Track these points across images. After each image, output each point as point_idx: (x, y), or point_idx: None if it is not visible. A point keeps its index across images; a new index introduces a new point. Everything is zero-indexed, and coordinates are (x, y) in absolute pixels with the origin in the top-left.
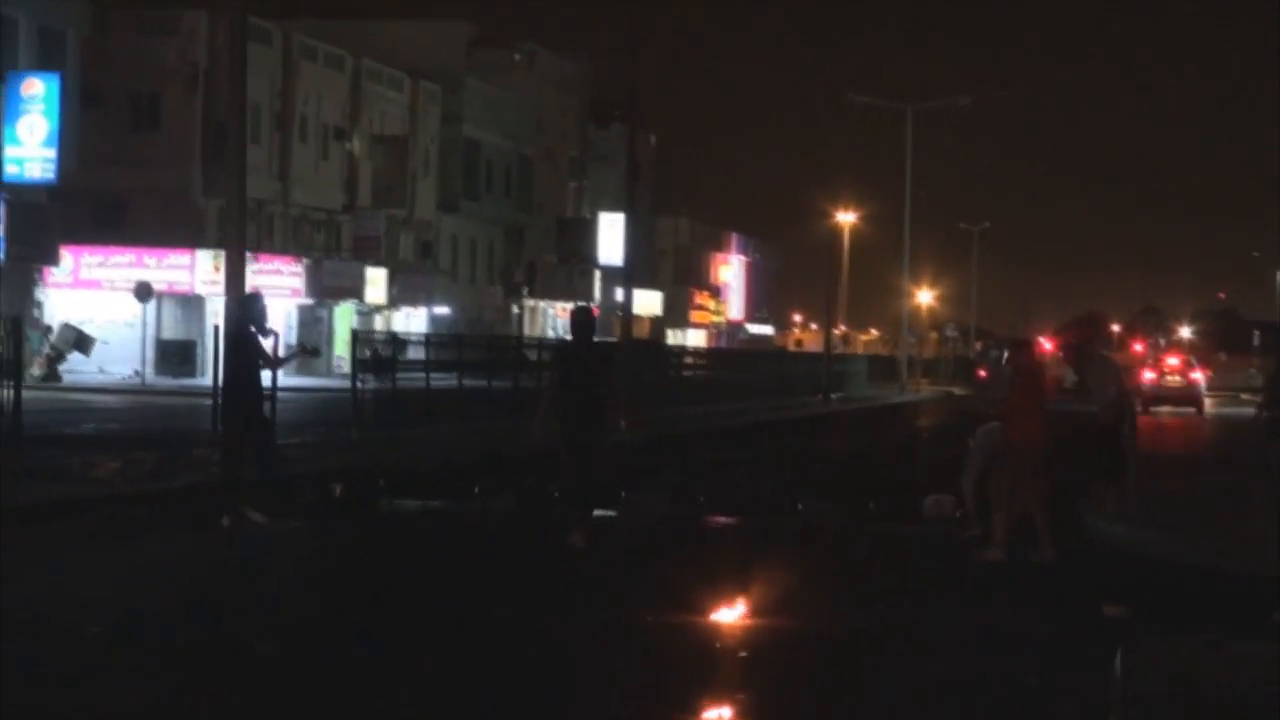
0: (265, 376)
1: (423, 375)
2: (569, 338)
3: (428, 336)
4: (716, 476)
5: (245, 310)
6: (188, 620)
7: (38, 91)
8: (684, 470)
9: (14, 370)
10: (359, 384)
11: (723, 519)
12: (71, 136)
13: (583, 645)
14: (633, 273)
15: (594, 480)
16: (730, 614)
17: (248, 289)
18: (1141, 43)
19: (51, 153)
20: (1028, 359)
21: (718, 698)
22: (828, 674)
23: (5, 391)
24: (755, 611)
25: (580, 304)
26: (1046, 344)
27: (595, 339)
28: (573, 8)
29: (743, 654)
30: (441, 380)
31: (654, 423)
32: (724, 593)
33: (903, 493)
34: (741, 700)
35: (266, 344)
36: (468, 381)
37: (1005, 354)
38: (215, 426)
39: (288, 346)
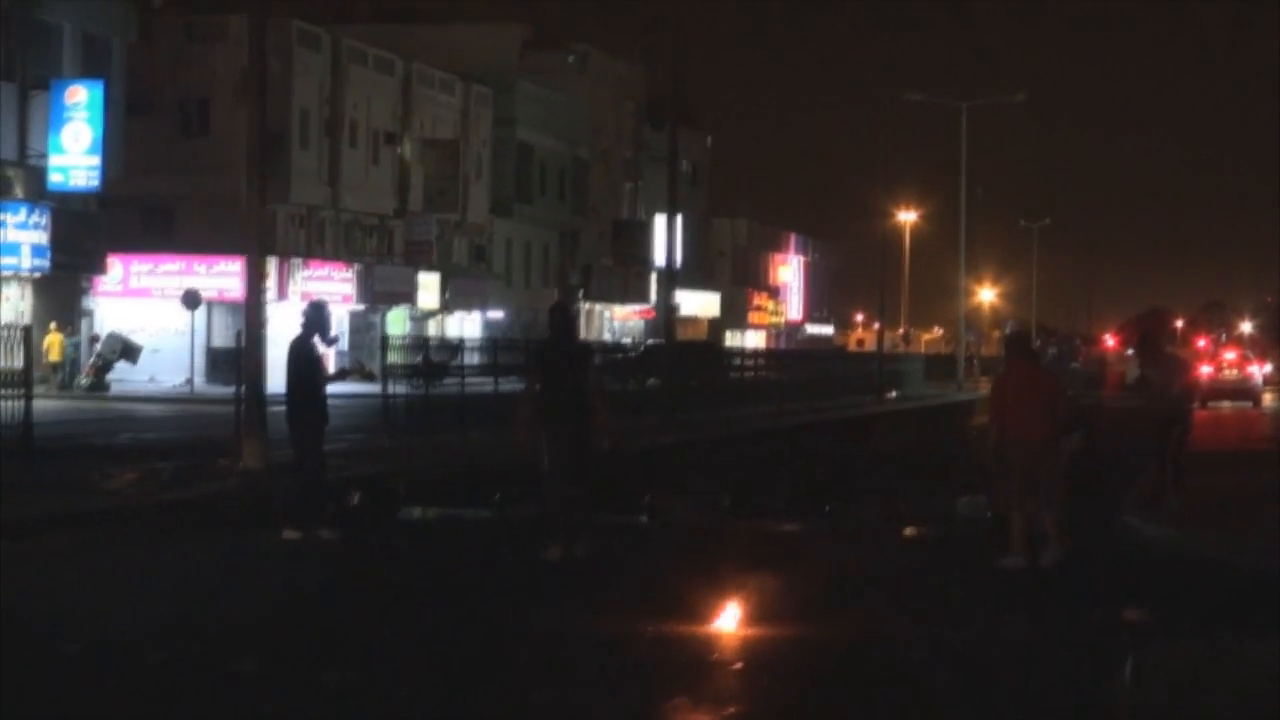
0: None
1: (470, 379)
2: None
3: (461, 342)
4: (750, 479)
5: (310, 320)
6: (160, 636)
7: (81, 99)
8: (719, 472)
9: (26, 380)
10: (389, 390)
11: (745, 523)
12: (118, 144)
13: (553, 658)
14: (674, 273)
15: (587, 485)
16: (727, 622)
17: (311, 298)
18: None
19: (96, 160)
20: (1026, 352)
21: (695, 713)
22: (816, 687)
23: (13, 403)
24: (751, 620)
25: (559, 301)
26: (1110, 340)
27: (577, 338)
28: (628, 9)
29: (737, 665)
30: (478, 385)
31: (702, 424)
32: (725, 600)
33: (938, 493)
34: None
35: (328, 353)
36: (505, 387)
37: (1054, 350)
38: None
39: (340, 362)
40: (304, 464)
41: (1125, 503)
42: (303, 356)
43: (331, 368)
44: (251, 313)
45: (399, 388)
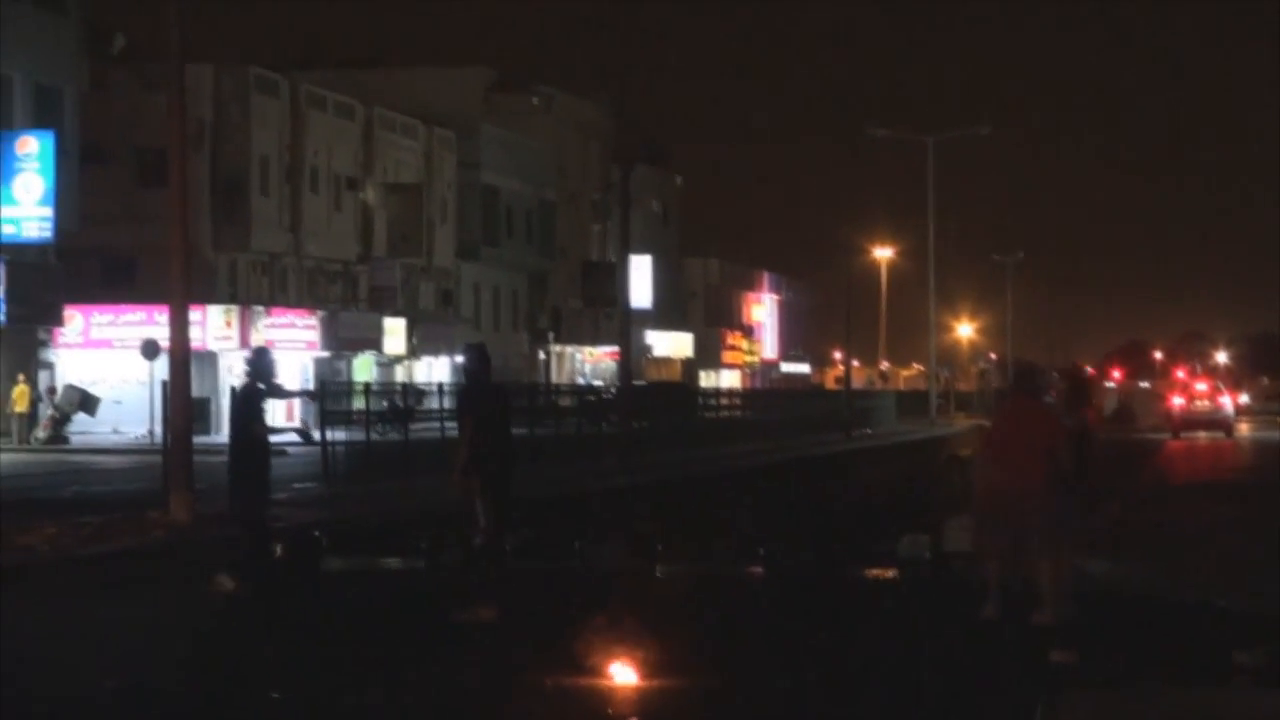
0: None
1: (437, 425)
2: (465, 381)
3: (405, 387)
4: (695, 521)
5: (254, 366)
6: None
7: (32, 150)
8: (666, 515)
9: None
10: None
11: (674, 568)
12: (74, 194)
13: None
14: (629, 314)
15: (504, 529)
16: (625, 675)
17: (258, 343)
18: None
19: (48, 211)
20: (1032, 390)
21: None
22: None
23: None
24: (654, 671)
25: (472, 343)
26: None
27: (493, 381)
28: (594, 51)
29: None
30: (426, 431)
31: (664, 465)
32: (629, 652)
33: (886, 533)
34: None
35: (294, 403)
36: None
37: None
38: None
39: (303, 413)
40: (242, 512)
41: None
42: (244, 404)
43: (296, 418)
44: (176, 364)
45: (338, 434)
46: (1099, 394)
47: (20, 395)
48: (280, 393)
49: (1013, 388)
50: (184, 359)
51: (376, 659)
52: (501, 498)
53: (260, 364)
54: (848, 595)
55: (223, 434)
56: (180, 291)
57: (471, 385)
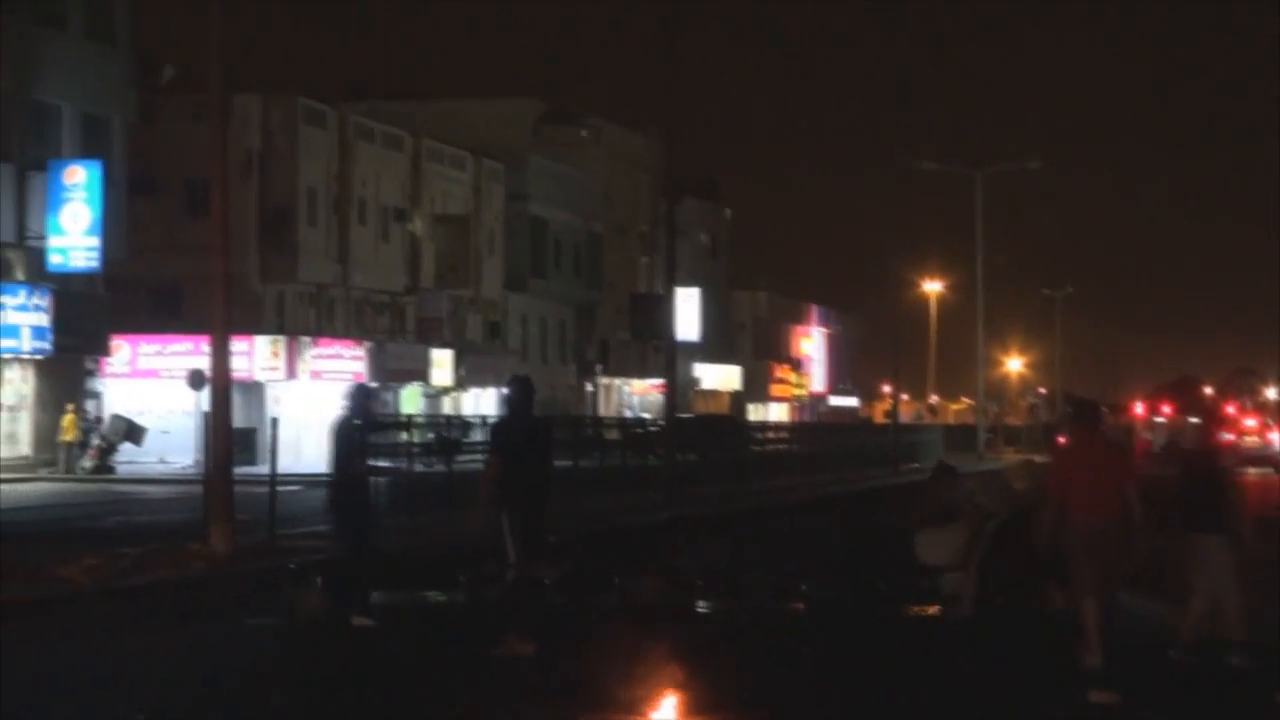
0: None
1: (481, 458)
2: (507, 413)
3: (450, 419)
4: (736, 556)
5: (353, 401)
6: None
7: (80, 179)
8: (705, 550)
9: None
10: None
11: (714, 604)
12: (121, 224)
13: None
14: (674, 347)
15: (539, 573)
16: (661, 714)
17: (358, 382)
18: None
19: (95, 241)
20: (1095, 423)
21: None
22: None
23: None
24: (688, 710)
25: (517, 375)
26: (1138, 408)
27: (536, 414)
28: (643, 83)
29: None
30: (471, 463)
31: (708, 500)
32: (668, 688)
33: (927, 570)
34: None
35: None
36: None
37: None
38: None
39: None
40: (347, 547)
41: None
42: (343, 439)
43: None
44: (217, 394)
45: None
46: (1146, 429)
47: (70, 424)
48: (378, 426)
49: (1074, 422)
50: (225, 389)
51: (411, 695)
52: (535, 531)
53: (359, 399)
54: (889, 632)
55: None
56: (222, 321)
57: (508, 419)
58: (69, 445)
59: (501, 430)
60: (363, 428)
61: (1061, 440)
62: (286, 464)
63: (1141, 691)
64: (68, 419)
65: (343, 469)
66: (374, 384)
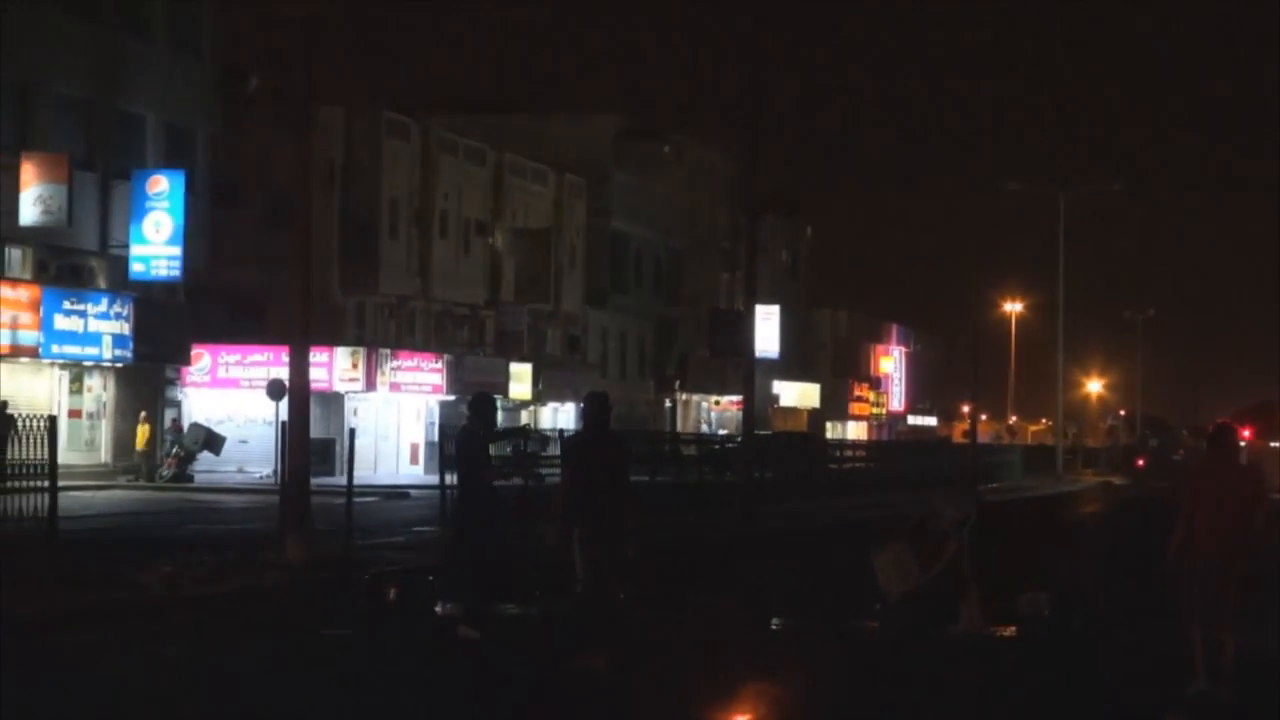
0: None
1: (558, 471)
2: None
3: (525, 430)
4: (811, 574)
5: (475, 410)
6: None
7: (163, 189)
8: (780, 567)
9: (51, 471)
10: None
11: (787, 621)
12: (204, 234)
13: None
14: (754, 363)
15: (611, 589)
16: None
17: (480, 391)
18: None
19: (176, 250)
20: (1231, 447)
21: None
22: None
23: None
24: None
25: (594, 391)
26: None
27: (612, 429)
28: (728, 101)
29: None
30: (548, 476)
31: (786, 516)
32: (738, 705)
33: (1005, 591)
34: None
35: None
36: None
37: (1155, 442)
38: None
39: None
40: (466, 559)
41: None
42: (465, 447)
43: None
44: (295, 404)
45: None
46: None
47: (141, 433)
48: (497, 435)
49: (1210, 446)
50: (304, 399)
51: (475, 708)
52: (611, 548)
53: (483, 409)
54: (962, 652)
55: (343, 476)
56: (301, 332)
57: (582, 434)
58: (145, 454)
59: (574, 446)
60: (486, 437)
61: (1140, 463)
62: (363, 475)
63: None
64: (141, 429)
65: (469, 478)
66: (495, 395)
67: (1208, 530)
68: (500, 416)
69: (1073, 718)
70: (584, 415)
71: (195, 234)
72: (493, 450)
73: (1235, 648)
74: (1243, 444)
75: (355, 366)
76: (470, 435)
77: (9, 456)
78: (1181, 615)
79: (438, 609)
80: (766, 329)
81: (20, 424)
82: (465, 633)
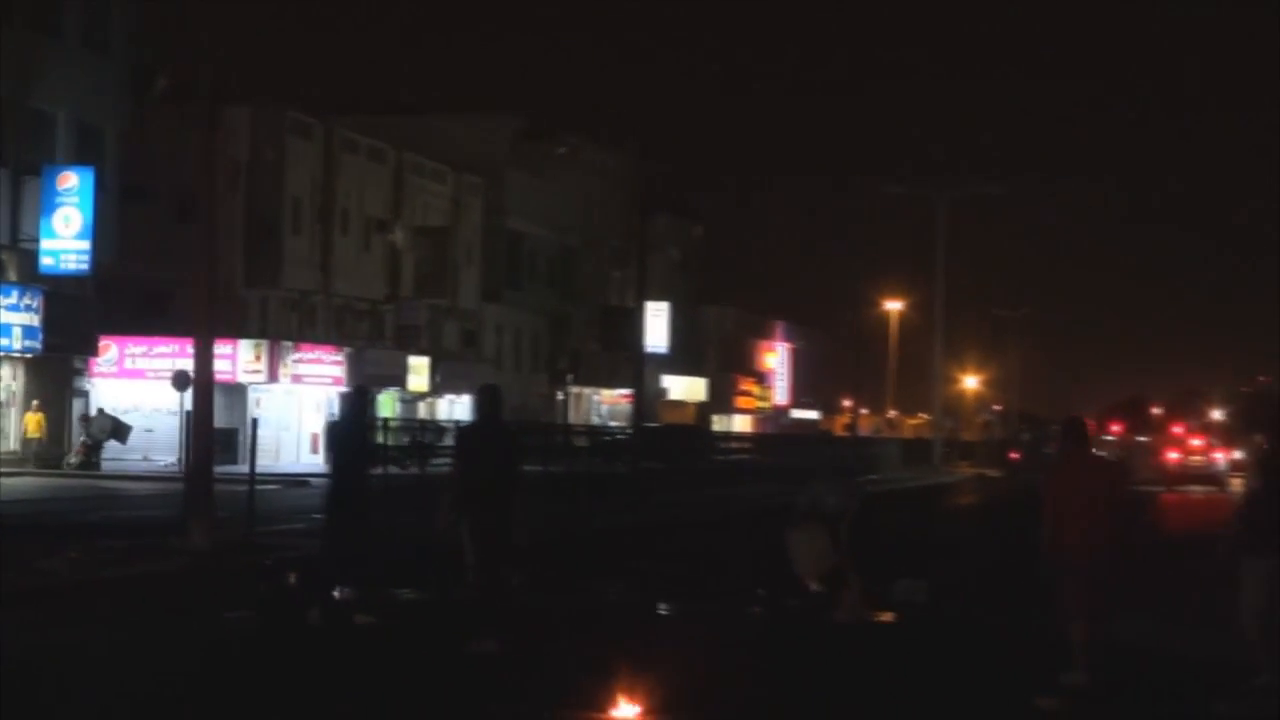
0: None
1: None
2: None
3: (424, 423)
4: (699, 561)
5: (351, 405)
6: None
7: (73, 184)
8: (668, 554)
9: None
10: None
11: (675, 606)
12: (113, 229)
13: None
14: (644, 358)
15: (500, 576)
16: (622, 711)
17: (355, 384)
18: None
19: (85, 245)
20: (1083, 441)
21: None
22: None
23: None
24: (648, 707)
25: (486, 384)
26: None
27: (504, 421)
28: (622, 102)
29: None
30: (444, 465)
31: (671, 506)
32: (625, 686)
33: (880, 576)
34: None
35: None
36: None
37: (1028, 436)
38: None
39: None
40: (337, 545)
41: None
42: (340, 439)
43: None
44: (199, 395)
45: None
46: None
47: (30, 421)
48: (366, 428)
49: (1065, 441)
50: (208, 390)
51: (377, 691)
52: (499, 535)
53: (359, 402)
54: (843, 637)
55: (245, 464)
56: (205, 324)
57: (473, 425)
58: (37, 441)
59: (465, 436)
60: (361, 429)
61: (1013, 456)
62: (265, 464)
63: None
64: (31, 418)
65: (342, 468)
66: (372, 388)
67: (1069, 523)
68: (398, 408)
69: (949, 700)
70: (476, 407)
71: (104, 229)
72: (392, 441)
73: (1093, 636)
74: (1114, 438)
75: (258, 359)
76: (344, 427)
77: None
78: (1059, 607)
79: (335, 594)
80: (656, 325)
81: None
82: (361, 619)
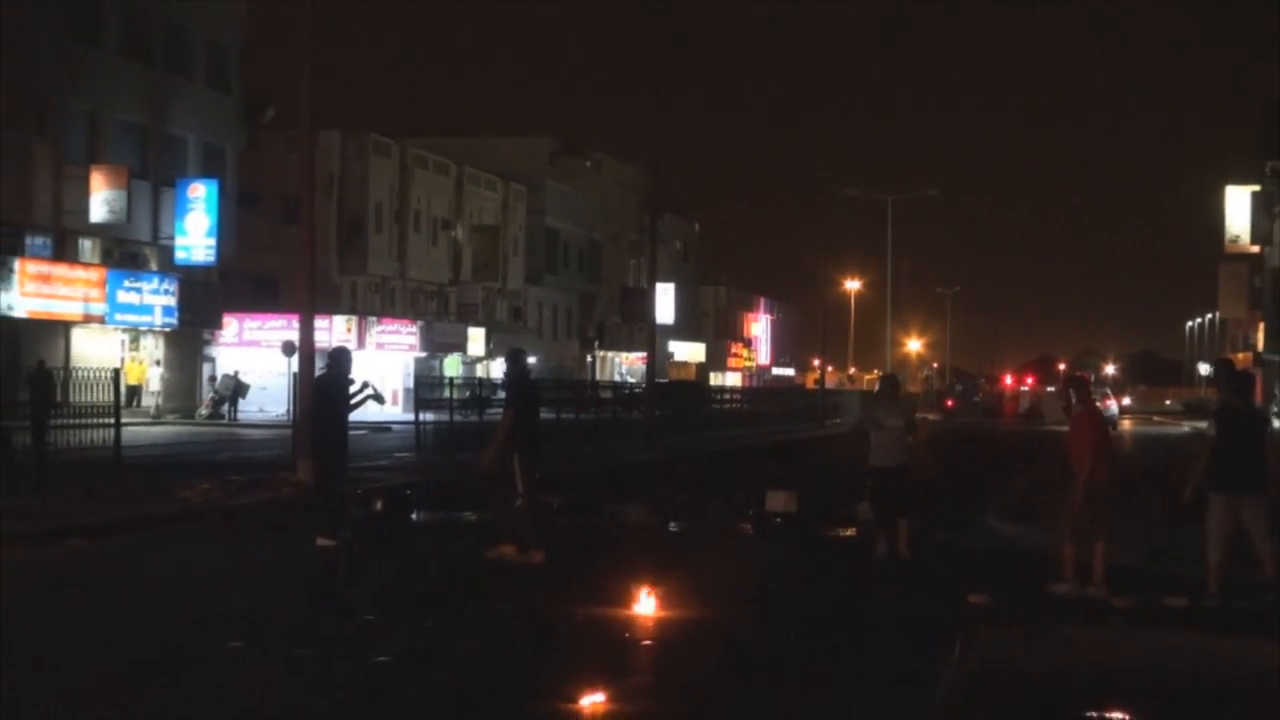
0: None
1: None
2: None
3: (481, 380)
4: (700, 488)
5: (335, 363)
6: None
7: (201, 194)
8: (676, 483)
9: (115, 410)
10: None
11: (682, 524)
12: (232, 229)
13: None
14: (655, 329)
15: (544, 498)
16: (642, 607)
17: (336, 345)
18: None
19: (212, 241)
20: (1085, 394)
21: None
22: (715, 660)
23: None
24: (664, 603)
25: (513, 348)
26: (1007, 379)
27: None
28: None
29: (646, 642)
30: (497, 414)
31: (678, 445)
32: (646, 587)
33: (849, 494)
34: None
35: (352, 389)
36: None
37: (960, 387)
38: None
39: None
40: (326, 481)
41: (993, 505)
42: (325, 391)
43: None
44: (304, 359)
45: (426, 415)
46: (1014, 396)
47: (130, 369)
48: (349, 393)
49: (1078, 393)
50: (309, 355)
51: (444, 592)
52: (535, 467)
53: (343, 360)
54: (817, 545)
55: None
56: (308, 304)
57: (517, 381)
58: (132, 389)
59: (515, 390)
60: (343, 384)
61: (949, 403)
62: (356, 415)
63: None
64: (129, 365)
65: (323, 419)
66: (349, 348)
67: (1103, 463)
68: (460, 369)
69: (899, 597)
70: (507, 367)
71: (225, 228)
72: (455, 395)
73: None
74: (1025, 389)
75: (349, 330)
76: (328, 382)
77: (81, 401)
78: (1073, 530)
79: (413, 517)
80: (664, 302)
81: (88, 376)
82: (323, 542)
